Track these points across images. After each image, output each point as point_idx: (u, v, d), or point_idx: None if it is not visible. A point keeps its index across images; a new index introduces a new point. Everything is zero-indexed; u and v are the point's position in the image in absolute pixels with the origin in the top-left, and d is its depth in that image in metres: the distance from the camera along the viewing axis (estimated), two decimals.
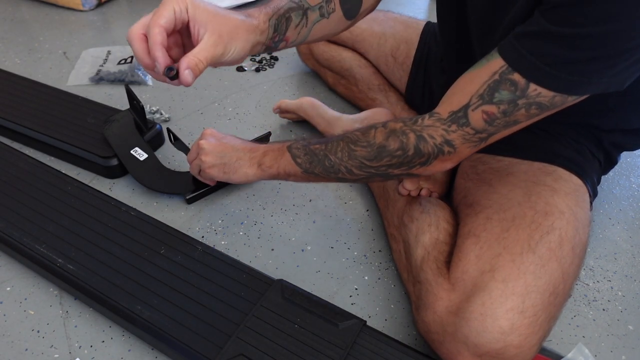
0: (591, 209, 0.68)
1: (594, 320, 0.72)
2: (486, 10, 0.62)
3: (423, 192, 0.75)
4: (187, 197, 0.86)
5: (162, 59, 0.55)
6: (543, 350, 0.66)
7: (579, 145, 0.70)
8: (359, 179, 0.66)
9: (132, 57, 1.23)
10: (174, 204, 0.86)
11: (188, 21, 0.57)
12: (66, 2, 1.49)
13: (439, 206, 0.72)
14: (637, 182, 0.96)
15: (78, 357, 0.64)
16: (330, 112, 0.98)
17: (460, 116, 0.56)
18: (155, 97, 1.13)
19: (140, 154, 0.89)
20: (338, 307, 0.65)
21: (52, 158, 0.94)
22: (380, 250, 0.80)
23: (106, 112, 0.99)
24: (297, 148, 0.69)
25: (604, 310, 0.73)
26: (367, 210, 0.87)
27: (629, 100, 0.66)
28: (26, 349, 0.65)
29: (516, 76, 0.51)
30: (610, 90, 0.50)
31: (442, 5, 0.76)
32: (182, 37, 0.60)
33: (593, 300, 0.74)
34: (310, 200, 0.88)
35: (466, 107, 0.55)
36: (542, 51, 0.49)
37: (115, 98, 1.12)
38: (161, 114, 1.06)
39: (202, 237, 0.81)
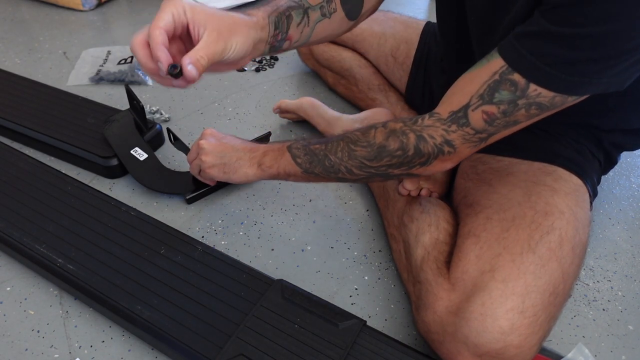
0: (591, 209, 0.68)
1: (594, 320, 0.72)
2: (486, 11, 0.62)
3: (423, 192, 0.75)
4: (187, 197, 0.86)
5: (164, 58, 0.55)
6: (543, 350, 0.66)
7: (579, 145, 0.70)
8: (359, 179, 0.66)
9: (132, 57, 1.23)
10: (174, 204, 0.86)
11: (188, 25, 0.57)
12: (66, 2, 1.49)
13: (439, 206, 0.72)
14: (637, 182, 0.96)
15: (78, 357, 0.64)
16: (330, 112, 0.98)
17: (460, 116, 0.56)
18: (155, 97, 1.13)
19: (140, 154, 0.89)
20: (338, 307, 0.65)
21: (52, 158, 0.94)
22: (380, 250, 0.80)
23: (106, 112, 0.99)
24: (297, 148, 0.69)
25: (604, 310, 0.73)
26: (367, 210, 0.87)
27: (629, 100, 0.66)
28: (26, 349, 0.65)
29: (516, 76, 0.51)
30: (610, 90, 0.50)
31: (441, 5, 0.76)
32: (184, 44, 0.61)
33: (593, 300, 0.74)
34: (310, 200, 0.88)
35: (466, 107, 0.55)
36: (542, 51, 0.49)
37: (115, 98, 1.12)
38: (161, 114, 1.06)
39: (202, 237, 0.81)
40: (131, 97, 0.92)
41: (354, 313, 0.65)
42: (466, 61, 0.60)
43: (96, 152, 0.89)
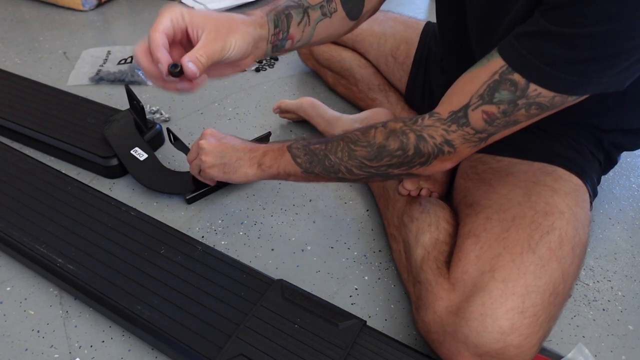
0: (591, 209, 0.68)
1: (594, 320, 0.72)
2: (486, 11, 0.62)
3: (423, 192, 0.75)
4: (187, 197, 0.86)
5: (163, 58, 0.56)
6: (543, 350, 0.66)
7: (579, 145, 0.70)
8: (359, 179, 0.66)
9: (132, 57, 1.23)
10: (174, 204, 0.86)
11: (187, 29, 0.59)
12: (66, 2, 1.49)
13: (439, 206, 0.72)
14: (637, 182, 0.96)
15: (78, 357, 0.64)
16: (330, 112, 0.98)
17: (460, 116, 0.56)
18: (155, 97, 1.13)
19: (140, 154, 0.89)
20: (338, 307, 0.65)
21: (52, 158, 0.94)
22: (380, 250, 0.80)
23: (106, 112, 0.99)
24: (297, 148, 0.69)
25: (604, 310, 0.73)
26: (367, 210, 0.87)
27: (629, 100, 0.66)
28: (26, 349, 0.65)
29: (516, 76, 0.51)
30: (610, 90, 0.50)
31: (441, 5, 0.76)
32: (185, 49, 0.61)
33: (593, 300, 0.74)
34: (310, 200, 0.88)
35: (466, 107, 0.55)
36: (542, 51, 0.49)
37: (115, 98, 1.12)
38: (161, 114, 1.06)
39: (202, 237, 0.81)
40: (131, 97, 0.92)
41: (354, 313, 0.65)
42: (466, 61, 0.60)
43: (96, 152, 0.89)
